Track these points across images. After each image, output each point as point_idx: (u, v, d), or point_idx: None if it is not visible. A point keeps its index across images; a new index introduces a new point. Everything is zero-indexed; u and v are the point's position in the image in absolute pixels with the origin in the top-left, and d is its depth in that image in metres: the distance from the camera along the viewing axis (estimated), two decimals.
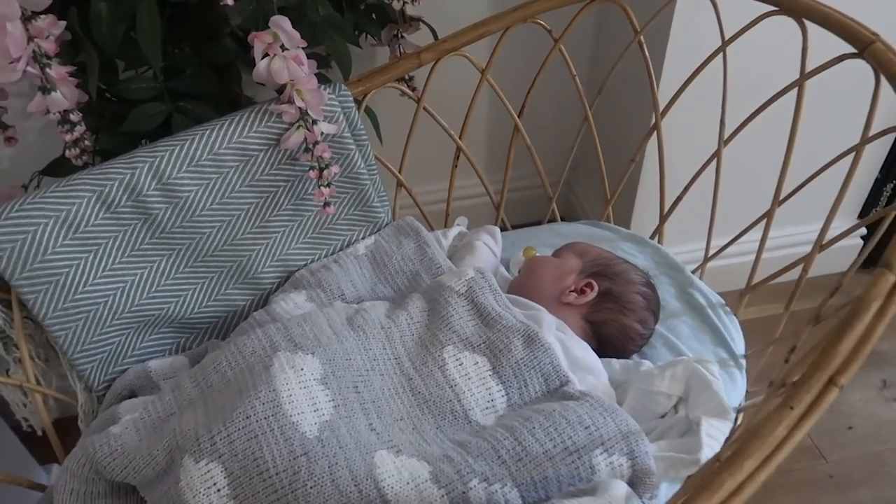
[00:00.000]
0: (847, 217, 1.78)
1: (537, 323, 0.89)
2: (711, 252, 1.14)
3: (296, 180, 0.98)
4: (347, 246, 1.05)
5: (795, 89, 0.96)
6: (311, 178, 0.94)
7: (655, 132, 1.12)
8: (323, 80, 1.07)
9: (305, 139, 0.93)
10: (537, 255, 1.11)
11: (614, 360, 0.94)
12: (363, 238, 1.07)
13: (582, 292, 0.96)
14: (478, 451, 0.72)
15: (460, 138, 1.14)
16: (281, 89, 0.93)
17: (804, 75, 0.94)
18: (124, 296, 0.87)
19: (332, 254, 1.04)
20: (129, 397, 0.86)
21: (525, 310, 0.92)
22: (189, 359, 0.92)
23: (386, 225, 1.08)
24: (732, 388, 0.97)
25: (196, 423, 0.72)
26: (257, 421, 0.70)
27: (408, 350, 0.84)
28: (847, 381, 0.61)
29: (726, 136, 1.06)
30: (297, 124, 0.93)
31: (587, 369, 0.88)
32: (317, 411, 0.72)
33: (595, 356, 0.91)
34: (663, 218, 1.18)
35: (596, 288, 0.96)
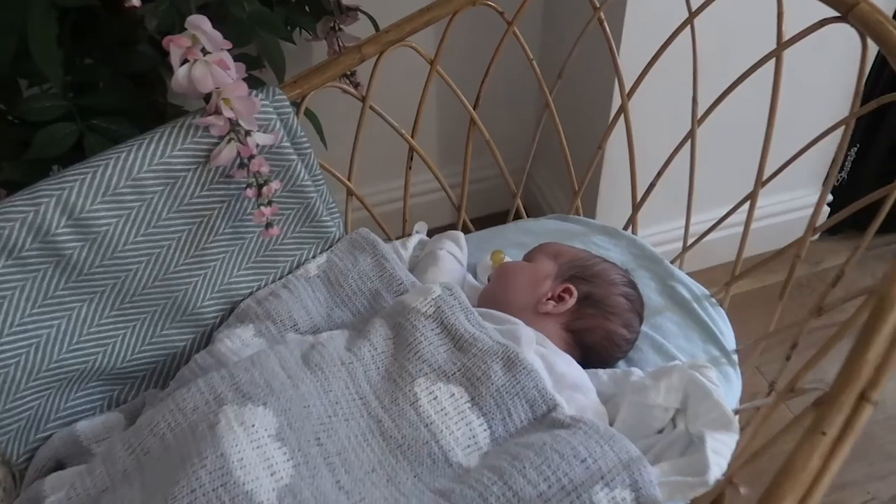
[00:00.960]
0: (812, 185, 1.74)
1: (515, 339, 0.80)
2: (691, 241, 1.07)
3: (232, 200, 0.87)
4: (297, 267, 0.95)
5: (773, 60, 0.89)
6: (249, 197, 0.83)
7: (623, 115, 1.04)
8: (255, 83, 0.95)
9: (239, 154, 0.82)
10: (507, 259, 1.02)
11: (601, 371, 0.86)
12: (314, 257, 0.96)
13: (560, 299, 0.88)
14: (463, 503, 0.63)
15: (412, 136, 1.04)
16: (207, 98, 0.82)
17: (782, 44, 0.87)
18: (40, 353, 0.75)
19: (280, 278, 0.93)
20: (56, 468, 0.75)
21: (500, 324, 0.83)
22: (125, 414, 0.81)
23: (338, 240, 0.98)
24: (728, 388, 0.90)
25: (133, 503, 0.61)
26: (204, 495, 0.59)
27: (374, 387, 0.74)
28: (879, 396, 0.53)
29: (699, 114, 0.99)
30: (227, 137, 0.82)
31: (574, 386, 0.80)
32: (274, 475, 0.62)
33: (580, 370, 0.83)
34: (636, 207, 1.10)
35: (575, 293, 0.88)
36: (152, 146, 0.79)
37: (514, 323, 0.84)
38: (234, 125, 0.82)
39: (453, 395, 0.73)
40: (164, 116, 1.05)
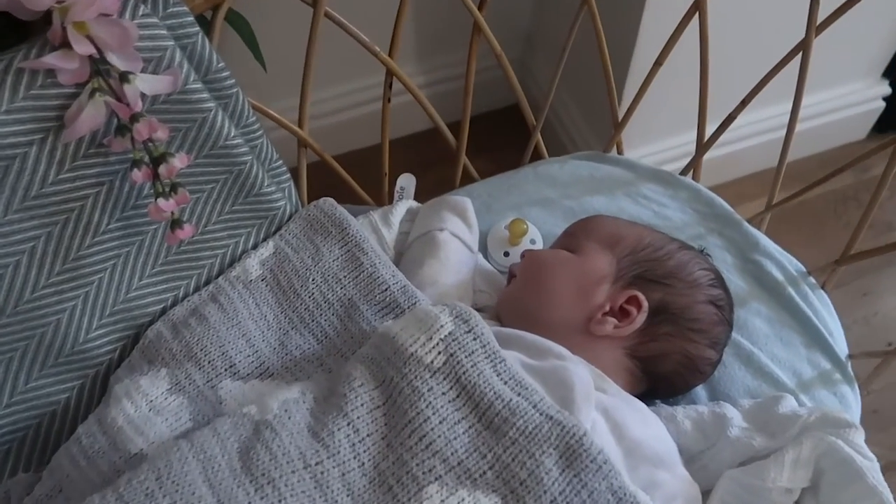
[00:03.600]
0: (867, 77, 1.43)
1: (564, 387, 0.53)
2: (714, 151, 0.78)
3: (114, 180, 0.55)
4: (230, 266, 0.64)
5: None
6: (137, 181, 0.52)
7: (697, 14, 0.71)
8: None
9: (113, 113, 0.50)
10: (531, 235, 0.73)
11: (679, 414, 0.60)
12: (255, 247, 0.66)
13: (624, 314, 0.60)
14: None
15: (391, 54, 0.71)
16: (47, 20, 0.48)
17: None
18: None
19: (205, 284, 0.63)
20: None
21: (537, 358, 0.56)
22: None
23: (290, 217, 0.67)
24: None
25: None
26: None
27: (358, 502, 0.47)
28: None
29: None
30: (88, 88, 0.49)
31: (656, 460, 0.54)
32: None
33: (661, 429, 0.57)
34: (703, 147, 0.80)
35: (645, 305, 0.60)
36: None
37: (560, 356, 0.56)
38: (97, 66, 0.49)
39: None
40: None
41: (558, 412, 0.49)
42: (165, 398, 0.55)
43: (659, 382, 0.62)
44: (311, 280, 0.63)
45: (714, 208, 0.78)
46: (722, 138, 0.77)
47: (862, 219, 0.70)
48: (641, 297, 0.60)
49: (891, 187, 1.50)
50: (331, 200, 0.67)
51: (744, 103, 0.74)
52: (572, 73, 1.17)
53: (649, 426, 0.56)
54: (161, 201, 0.52)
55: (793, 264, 0.74)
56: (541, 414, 0.49)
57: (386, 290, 0.62)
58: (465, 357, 0.51)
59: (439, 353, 0.51)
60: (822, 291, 0.73)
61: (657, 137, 1.24)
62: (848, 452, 0.52)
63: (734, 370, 0.66)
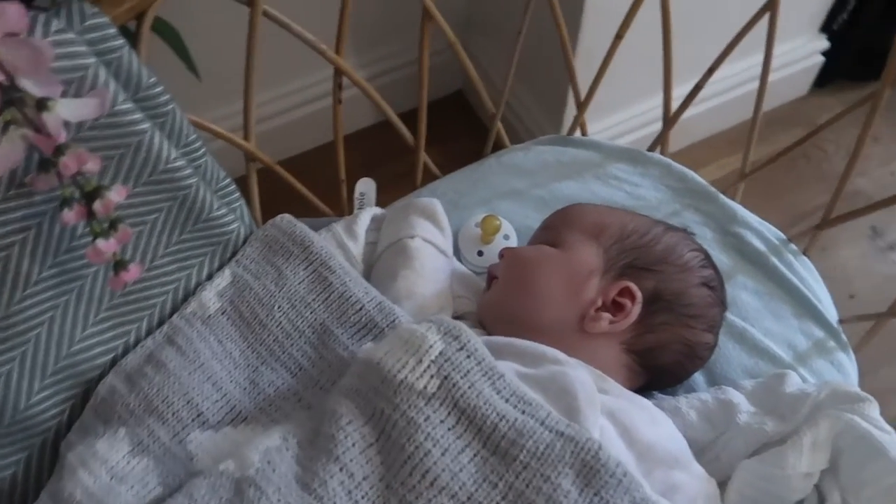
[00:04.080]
0: (806, 33, 1.44)
1: (567, 394, 0.49)
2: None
3: (44, 221, 0.49)
4: (184, 302, 0.58)
5: None
6: (68, 222, 0.45)
7: None
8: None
9: (33, 147, 0.44)
10: (505, 231, 0.69)
11: (683, 404, 0.57)
12: (210, 277, 0.60)
13: (618, 307, 0.56)
14: None
15: (338, 51, 0.65)
16: None
17: None
18: None
19: (158, 325, 0.57)
20: None
21: (532, 366, 0.52)
22: None
23: (245, 241, 0.61)
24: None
25: None
26: None
27: None
28: None
29: None
30: (0, 120, 0.43)
31: (669, 461, 0.51)
32: None
33: (671, 427, 0.54)
34: (670, 121, 0.77)
35: (638, 296, 0.56)
36: None
37: (557, 361, 0.52)
38: (9, 95, 0.42)
39: None
40: None
41: (568, 426, 0.46)
42: (128, 462, 0.49)
43: (658, 374, 0.59)
44: (276, 308, 0.57)
45: (687, 183, 0.75)
46: (644, 118, 0.75)
47: (840, 183, 0.69)
48: (634, 287, 0.56)
49: (836, 141, 1.52)
50: (288, 217, 0.62)
51: (710, 71, 0.71)
52: (528, 48, 1.13)
53: (658, 425, 0.53)
54: (100, 242, 0.45)
55: (772, 233, 0.72)
56: (550, 431, 0.45)
57: (360, 309, 0.57)
58: (461, 378, 0.47)
59: (432, 376, 0.47)
60: (804, 258, 0.71)
61: (610, 111, 1.21)
62: (866, 428, 0.50)
63: (729, 350, 0.64)
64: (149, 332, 0.57)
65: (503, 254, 0.62)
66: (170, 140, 0.54)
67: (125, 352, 0.56)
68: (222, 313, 0.57)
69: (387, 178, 0.81)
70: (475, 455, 0.45)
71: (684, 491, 0.50)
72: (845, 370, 0.64)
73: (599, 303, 0.56)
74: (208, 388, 0.53)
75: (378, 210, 0.67)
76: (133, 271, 0.48)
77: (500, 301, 0.60)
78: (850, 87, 1.56)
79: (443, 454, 0.44)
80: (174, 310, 0.58)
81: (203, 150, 0.57)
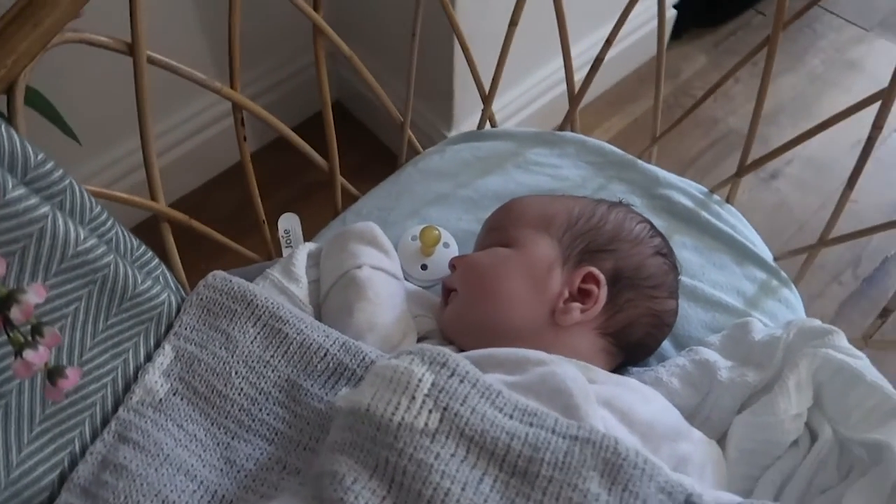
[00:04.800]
0: None
1: (562, 394, 0.48)
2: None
3: None
4: (127, 391, 0.52)
5: None
6: None
7: None
8: None
9: None
10: (447, 244, 0.67)
11: (663, 374, 0.57)
12: (150, 359, 0.54)
13: (585, 294, 0.56)
14: None
15: (234, 86, 0.60)
16: None
17: None
18: None
19: (103, 426, 0.51)
20: None
21: (516, 372, 0.50)
22: None
23: (179, 309, 0.56)
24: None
25: None
26: None
27: None
28: None
29: None
30: None
31: (672, 434, 0.51)
32: None
33: (660, 398, 0.54)
34: (577, 98, 0.77)
35: (602, 279, 0.56)
36: None
37: (540, 362, 0.51)
38: None
39: None
40: None
41: (580, 429, 0.44)
42: None
43: (633, 350, 0.59)
44: (234, 374, 0.52)
45: (606, 155, 0.76)
46: (541, 85, 0.75)
47: (750, 131, 0.71)
48: (596, 271, 0.56)
49: (704, 88, 1.60)
50: (221, 274, 0.56)
51: (608, 42, 0.72)
52: (390, 56, 1.11)
53: (651, 402, 0.52)
54: (28, 353, 0.39)
55: (695, 188, 0.74)
56: (564, 438, 0.44)
57: (325, 355, 0.53)
58: (461, 406, 0.44)
59: (430, 411, 0.44)
60: (730, 206, 0.74)
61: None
62: (841, 359, 0.52)
63: (685, 309, 0.65)
64: (95, 436, 0.50)
65: (455, 263, 0.60)
66: (73, 219, 0.48)
67: (73, 464, 0.49)
68: (174, 394, 0.52)
69: (281, 203, 0.76)
70: (495, 481, 0.43)
71: (693, 460, 0.50)
72: (793, 306, 0.67)
73: (566, 294, 0.55)
74: (181, 479, 0.48)
75: (312, 245, 0.63)
76: (72, 376, 0.42)
77: (464, 313, 0.57)
78: (704, 33, 1.66)
79: (463, 489, 0.42)
80: (117, 404, 0.52)
81: (111, 221, 0.51)
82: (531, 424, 0.45)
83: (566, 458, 0.43)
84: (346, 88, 1.33)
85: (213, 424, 0.51)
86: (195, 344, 0.53)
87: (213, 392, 0.52)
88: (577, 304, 0.55)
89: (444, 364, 0.46)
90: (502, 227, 0.60)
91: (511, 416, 0.45)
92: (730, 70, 0.70)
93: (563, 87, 0.76)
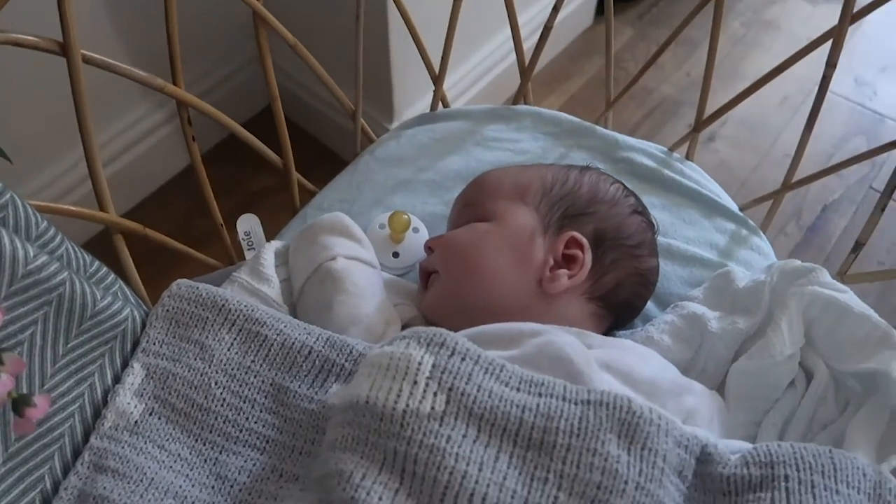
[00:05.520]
0: None
1: (563, 362, 0.46)
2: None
3: None
4: (96, 419, 0.48)
5: None
6: None
7: None
8: None
9: None
10: (417, 229, 0.65)
11: (654, 333, 0.57)
12: (119, 380, 0.50)
13: (570, 260, 0.54)
14: None
15: (177, 82, 0.56)
16: None
17: None
18: None
19: (75, 456, 0.47)
20: None
21: (514, 347, 0.49)
22: None
23: (144, 324, 0.52)
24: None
25: None
26: None
27: None
28: None
29: None
30: None
31: (675, 389, 0.50)
32: None
33: (656, 356, 0.53)
34: (528, 70, 0.76)
35: (585, 242, 0.55)
36: None
37: (535, 333, 0.49)
38: None
39: None
40: None
41: (590, 392, 0.43)
42: None
43: (621, 312, 0.58)
44: (214, 385, 0.49)
45: (562, 125, 0.75)
46: (486, 62, 0.74)
47: (705, 80, 0.71)
48: (578, 235, 0.54)
49: (634, 59, 1.63)
50: (186, 282, 0.53)
51: (556, 9, 0.71)
52: (321, 48, 1.07)
53: (649, 360, 0.52)
54: None
55: (655, 148, 0.74)
56: (576, 404, 0.42)
57: (309, 353, 0.50)
58: (467, 384, 0.42)
59: (435, 394, 0.42)
60: (691, 162, 0.74)
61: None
62: (829, 294, 0.52)
63: (663, 267, 0.64)
64: (67, 470, 0.46)
65: (432, 245, 0.58)
66: (19, 236, 0.43)
67: (46, 502, 0.45)
68: (150, 414, 0.48)
69: (237, 205, 0.73)
70: (511, 457, 0.41)
71: (700, 413, 0.49)
72: (765, 252, 0.67)
73: (551, 262, 0.54)
74: (170, 503, 0.44)
75: (278, 243, 0.60)
76: (41, 404, 0.38)
77: (449, 293, 0.55)
78: (627, 7, 1.68)
79: (480, 469, 0.40)
80: (87, 432, 0.47)
81: (60, 236, 0.47)
82: (540, 395, 0.43)
83: (581, 424, 0.41)
84: (283, 92, 1.29)
85: (197, 441, 0.47)
86: (167, 359, 0.50)
87: (193, 407, 0.48)
88: (563, 271, 0.53)
89: (443, 344, 0.43)
90: (477, 202, 0.58)
91: (518, 389, 0.43)
92: (678, 26, 0.70)
93: (508, 62, 0.75)
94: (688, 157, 0.74)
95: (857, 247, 0.60)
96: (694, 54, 1.58)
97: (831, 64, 0.60)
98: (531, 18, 1.26)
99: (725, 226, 0.68)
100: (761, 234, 0.69)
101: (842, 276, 0.62)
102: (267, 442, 0.48)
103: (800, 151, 0.66)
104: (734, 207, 0.70)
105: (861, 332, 0.51)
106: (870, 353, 0.50)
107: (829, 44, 0.60)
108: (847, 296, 0.52)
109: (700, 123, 0.72)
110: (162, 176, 1.19)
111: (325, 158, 1.31)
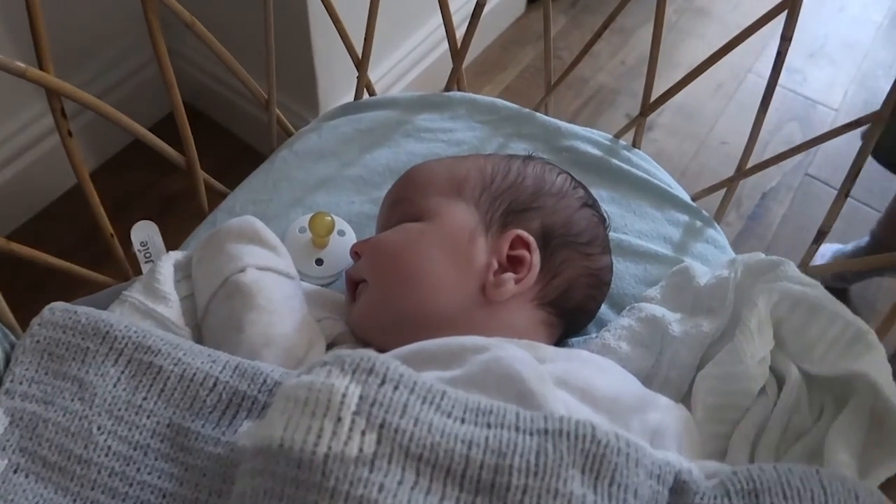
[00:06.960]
0: None
1: (512, 380, 0.40)
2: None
3: None
4: None
5: None
6: None
7: None
8: None
9: None
10: (342, 232, 0.57)
11: (611, 340, 0.51)
12: None
13: (516, 262, 0.48)
14: None
15: (44, 67, 0.47)
16: None
17: None
18: None
19: None
20: None
21: (456, 365, 0.42)
22: None
23: (9, 360, 0.43)
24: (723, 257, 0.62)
25: None
26: None
27: None
28: None
29: None
30: None
31: (638, 405, 0.44)
32: None
33: (616, 367, 0.47)
34: (460, 54, 0.69)
35: (531, 241, 0.48)
36: None
37: (479, 348, 0.43)
38: None
39: None
40: None
41: (547, 419, 0.36)
42: None
43: (574, 317, 0.52)
44: (95, 430, 0.40)
45: (499, 112, 0.69)
46: (419, 49, 0.68)
47: (651, 58, 0.66)
48: (524, 233, 0.48)
49: (569, 48, 1.59)
50: (61, 305, 0.44)
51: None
52: (239, 37, 0.98)
53: (608, 372, 0.46)
54: None
55: (599, 135, 0.68)
56: (531, 434, 0.36)
57: (214, 385, 0.42)
58: (401, 419, 0.35)
59: (363, 432, 0.34)
60: (638, 150, 0.69)
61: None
62: (800, 290, 0.47)
63: (615, 265, 0.59)
64: None
65: (358, 250, 0.50)
66: None
67: None
68: (14, 471, 0.39)
69: (139, 215, 0.64)
70: (463, 494, 0.34)
71: (667, 431, 0.44)
72: (721, 245, 0.63)
73: (495, 265, 0.47)
74: None
75: (179, 254, 0.51)
76: None
77: (379, 304, 0.48)
78: None
79: None
80: None
81: None
82: (489, 425, 0.36)
83: (539, 459, 0.35)
84: (196, 86, 1.18)
85: (75, 501, 0.39)
86: (37, 401, 0.41)
87: (70, 459, 0.39)
88: (509, 275, 0.47)
89: (371, 370, 0.36)
90: (407, 199, 0.51)
91: (463, 420, 0.36)
92: (612, 13, 0.65)
93: (441, 49, 0.69)
94: (634, 144, 0.69)
95: (820, 236, 0.56)
96: (629, 42, 1.56)
97: (786, 38, 0.56)
98: (463, 4, 1.20)
99: (678, 217, 0.63)
100: (716, 225, 0.64)
101: (805, 266, 0.57)
102: (164, 497, 0.40)
103: (754, 135, 0.61)
104: (686, 197, 0.65)
105: (833, 331, 0.47)
106: (842, 353, 0.46)
107: (771, 26, 0.56)
108: (819, 291, 0.48)
109: (647, 108, 0.66)
110: (61, 185, 1.07)
111: (246, 157, 1.22)
